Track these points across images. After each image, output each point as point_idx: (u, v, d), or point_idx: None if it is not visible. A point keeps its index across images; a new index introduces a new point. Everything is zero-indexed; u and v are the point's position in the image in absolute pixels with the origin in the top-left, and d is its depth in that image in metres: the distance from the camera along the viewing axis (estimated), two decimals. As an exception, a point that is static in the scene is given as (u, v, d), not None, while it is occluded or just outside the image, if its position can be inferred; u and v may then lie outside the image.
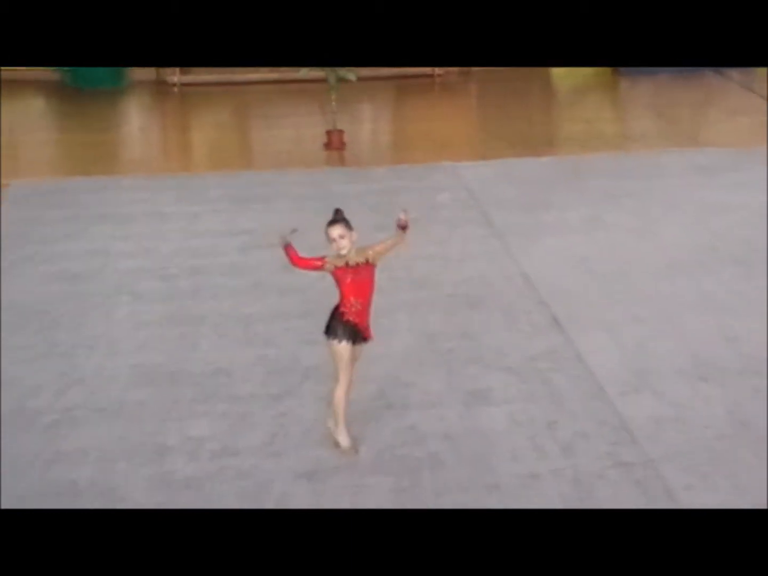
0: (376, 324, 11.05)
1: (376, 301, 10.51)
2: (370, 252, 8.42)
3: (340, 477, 8.53)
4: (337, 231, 8.30)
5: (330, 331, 8.48)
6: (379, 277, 9.02)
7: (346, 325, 8.45)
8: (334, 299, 8.50)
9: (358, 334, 8.51)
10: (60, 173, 16.57)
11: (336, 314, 8.49)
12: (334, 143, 16.87)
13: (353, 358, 8.53)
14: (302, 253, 8.41)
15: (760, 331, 10.65)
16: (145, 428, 9.26)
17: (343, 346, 8.43)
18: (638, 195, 14.46)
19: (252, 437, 9.09)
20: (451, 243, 12.93)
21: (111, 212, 14.30)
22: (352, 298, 8.44)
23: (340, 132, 16.85)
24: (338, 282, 8.45)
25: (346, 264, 8.36)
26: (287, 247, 8.41)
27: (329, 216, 8.39)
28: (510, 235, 13.22)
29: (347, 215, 8.38)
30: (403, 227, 8.40)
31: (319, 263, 8.42)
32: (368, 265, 8.44)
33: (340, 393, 8.52)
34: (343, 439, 8.64)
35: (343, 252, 8.30)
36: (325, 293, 11.48)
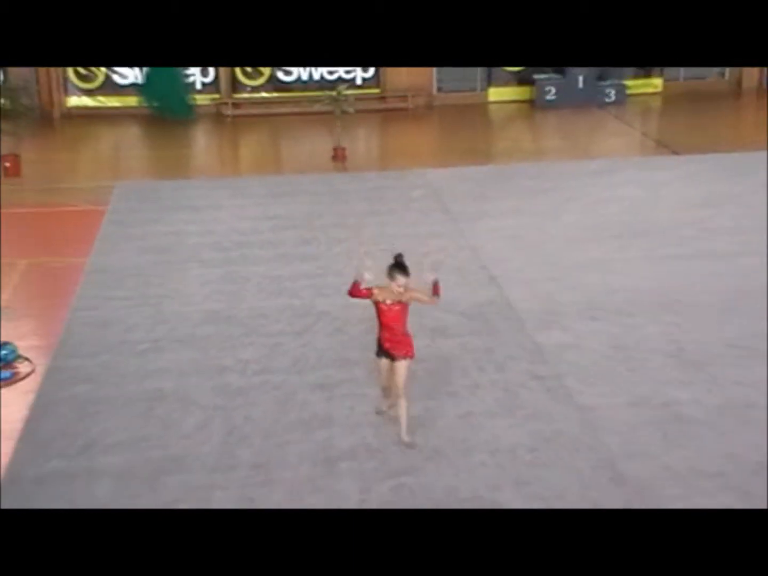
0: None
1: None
2: (405, 296, 7.32)
3: (344, 388, 8.47)
4: (404, 280, 7.25)
5: (377, 350, 7.58)
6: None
7: (381, 348, 7.51)
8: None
9: (391, 354, 7.47)
10: (149, 177, 16.41)
11: (378, 340, 7.55)
12: (339, 156, 16.72)
13: (391, 370, 7.53)
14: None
15: (631, 284, 10.60)
16: (209, 354, 9.21)
17: (381, 361, 7.56)
18: (549, 191, 14.36)
19: (282, 361, 9.03)
20: (420, 225, 12.83)
21: (184, 204, 14.14)
22: (384, 330, 7.43)
23: (343, 148, 16.71)
24: (377, 312, 7.43)
25: (384, 301, 7.33)
26: (357, 282, 7.34)
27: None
28: (461, 219, 13.10)
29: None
30: (436, 293, 7.42)
31: (367, 293, 7.33)
32: (400, 304, 7.35)
33: (401, 402, 7.53)
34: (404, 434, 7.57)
35: (397, 291, 7.28)
36: (333, 260, 11.47)
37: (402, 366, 7.45)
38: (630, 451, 7.41)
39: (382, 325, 7.44)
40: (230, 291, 10.73)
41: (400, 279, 7.26)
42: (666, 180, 14.63)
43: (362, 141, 19.48)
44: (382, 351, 7.53)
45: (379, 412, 8.00)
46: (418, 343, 9.21)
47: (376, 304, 7.38)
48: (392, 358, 7.48)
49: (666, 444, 7.51)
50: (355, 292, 7.37)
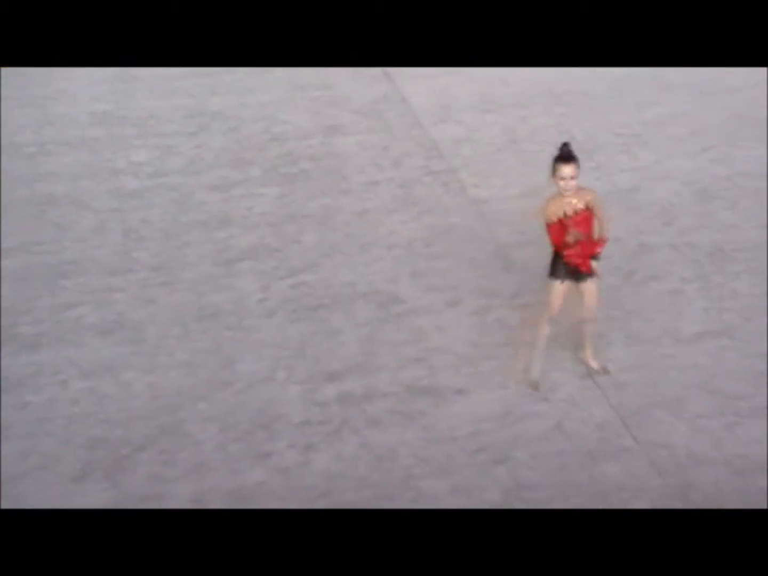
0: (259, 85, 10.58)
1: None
2: (590, 197, 5.57)
3: (240, 188, 8.31)
4: (569, 171, 5.45)
5: (552, 272, 5.76)
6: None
7: (567, 267, 5.68)
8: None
9: (579, 273, 5.72)
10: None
11: (558, 258, 5.71)
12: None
13: (579, 292, 5.84)
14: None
15: (524, 75, 10.43)
16: (101, 156, 8.89)
17: (558, 286, 5.75)
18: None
19: (177, 162, 8.77)
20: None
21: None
22: (571, 240, 5.59)
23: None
24: (554, 232, 5.64)
25: (564, 215, 5.54)
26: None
27: None
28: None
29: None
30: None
31: (554, 225, 5.57)
32: (586, 212, 5.57)
33: (543, 328, 5.93)
34: (534, 372, 5.99)
35: (567, 193, 5.51)
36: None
37: (593, 285, 5.79)
38: (521, 240, 7.54)
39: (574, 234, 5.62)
40: (120, 90, 10.24)
41: (564, 170, 5.45)
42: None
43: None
44: (566, 271, 5.70)
45: (533, 384, 5.96)
46: (312, 142, 9.12)
47: (555, 224, 5.59)
48: (577, 278, 5.75)
49: (555, 233, 7.66)
50: (556, 239, 5.63)
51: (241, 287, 7.04)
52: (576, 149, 5.38)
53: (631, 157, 8.72)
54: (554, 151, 5.59)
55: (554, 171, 5.52)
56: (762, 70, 10.06)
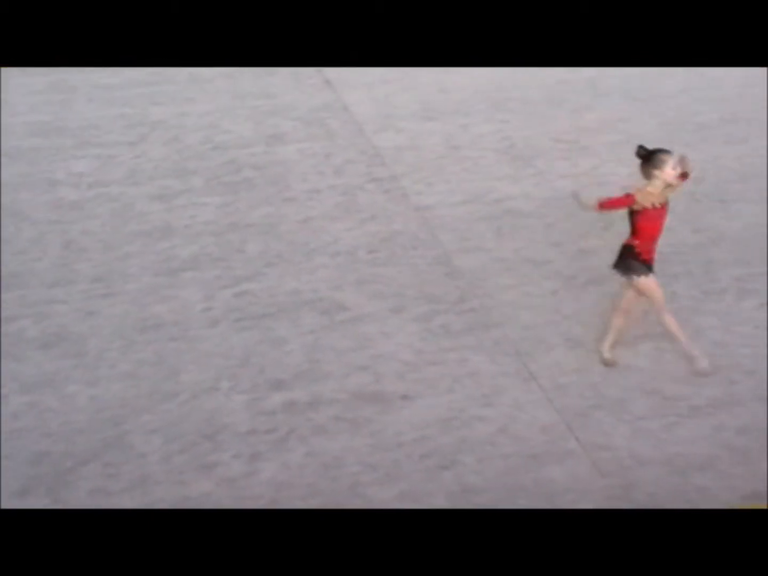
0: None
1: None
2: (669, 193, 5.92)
3: (182, 198, 8.25)
4: (673, 160, 5.83)
5: (632, 270, 5.97)
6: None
7: (644, 264, 5.96)
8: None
9: (652, 267, 6.04)
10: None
11: (632, 254, 5.95)
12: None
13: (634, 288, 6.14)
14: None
15: (465, 82, 10.52)
16: (40, 167, 8.77)
17: (648, 280, 5.99)
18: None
19: (117, 172, 8.68)
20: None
21: None
22: (648, 239, 5.91)
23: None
24: (640, 219, 5.85)
25: (652, 205, 5.82)
26: (615, 199, 5.92)
27: None
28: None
29: None
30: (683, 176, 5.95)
31: (628, 201, 5.82)
32: (664, 208, 5.92)
33: (667, 318, 6.12)
34: (606, 352, 6.30)
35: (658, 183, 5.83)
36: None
37: (649, 281, 6.04)
38: (464, 246, 7.60)
39: (650, 236, 5.91)
40: (57, 101, 10.11)
41: (670, 160, 5.78)
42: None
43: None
44: (647, 266, 6.00)
45: (610, 363, 6.29)
46: (255, 150, 9.09)
47: (640, 213, 5.84)
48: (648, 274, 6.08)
49: (498, 237, 7.74)
50: (614, 203, 5.87)
51: (185, 297, 6.98)
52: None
53: (571, 163, 8.83)
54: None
55: (656, 165, 5.80)
56: (691, 75, 10.29)
